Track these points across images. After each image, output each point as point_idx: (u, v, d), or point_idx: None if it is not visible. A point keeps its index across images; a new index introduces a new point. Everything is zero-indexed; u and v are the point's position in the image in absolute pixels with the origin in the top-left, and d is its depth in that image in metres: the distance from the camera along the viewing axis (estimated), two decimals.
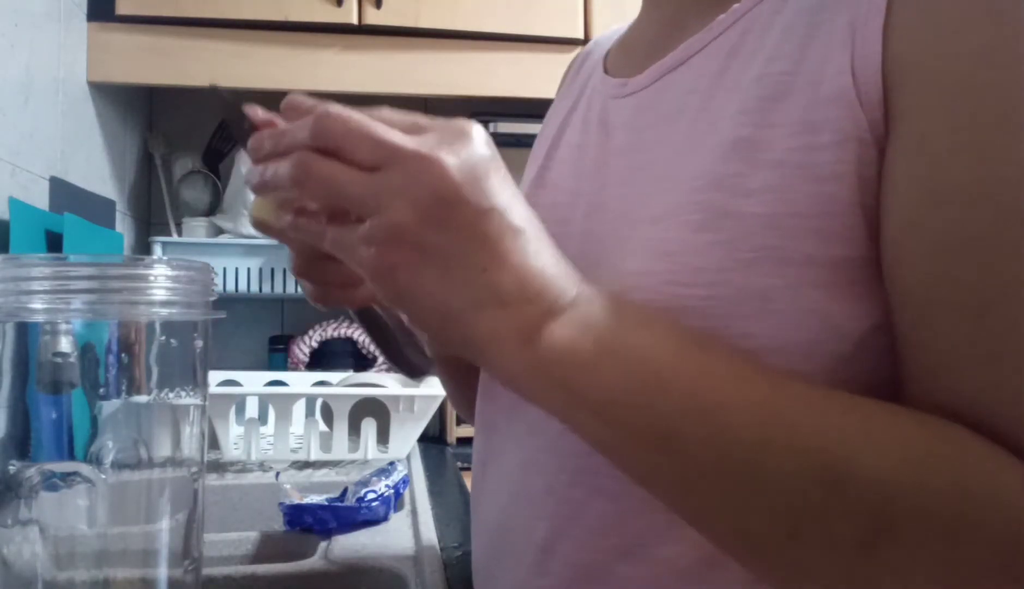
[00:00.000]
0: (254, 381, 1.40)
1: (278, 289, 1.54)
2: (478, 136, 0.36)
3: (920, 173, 0.35)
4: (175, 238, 1.57)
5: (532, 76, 1.50)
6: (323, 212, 0.37)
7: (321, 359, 1.62)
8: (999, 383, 0.33)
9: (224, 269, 1.52)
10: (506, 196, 0.35)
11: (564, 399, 0.36)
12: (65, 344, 0.37)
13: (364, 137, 0.34)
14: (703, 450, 0.34)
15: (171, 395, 0.40)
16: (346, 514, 0.88)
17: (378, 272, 0.35)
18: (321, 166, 0.35)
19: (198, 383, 0.42)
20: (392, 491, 0.94)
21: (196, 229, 1.59)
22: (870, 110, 0.37)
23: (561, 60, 1.54)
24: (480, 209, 0.34)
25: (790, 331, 0.38)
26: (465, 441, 1.51)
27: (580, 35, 1.51)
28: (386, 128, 0.35)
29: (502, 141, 1.61)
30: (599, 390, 0.35)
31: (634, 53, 0.55)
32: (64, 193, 1.26)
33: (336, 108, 0.35)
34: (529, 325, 0.35)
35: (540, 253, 0.36)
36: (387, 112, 0.37)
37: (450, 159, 0.34)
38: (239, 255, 1.53)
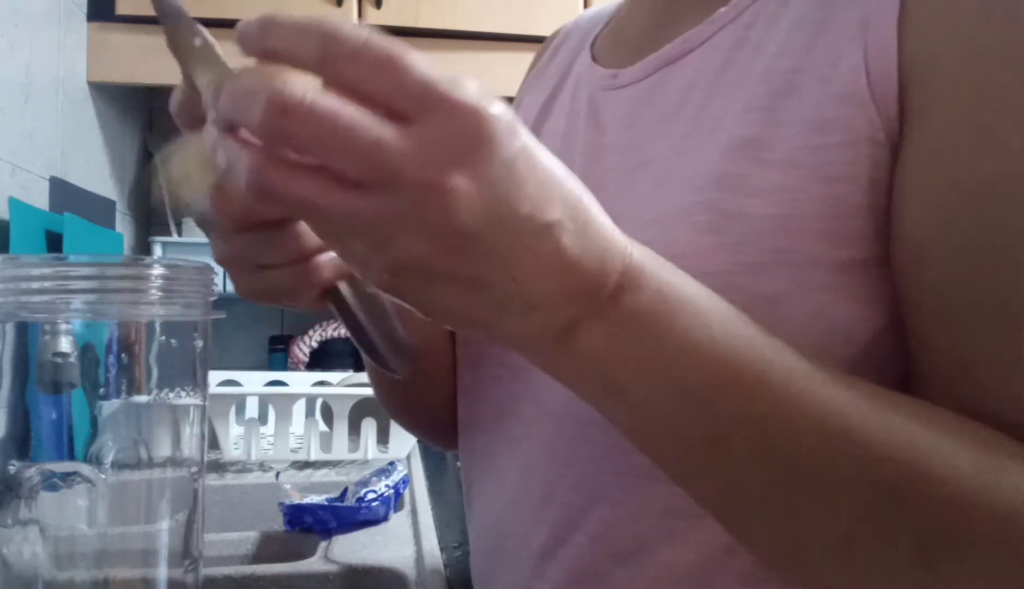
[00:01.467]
0: (254, 381, 1.40)
1: None
2: (499, 135, 0.27)
3: (944, 173, 0.34)
4: (175, 238, 1.57)
5: None
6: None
7: (321, 359, 1.62)
8: None
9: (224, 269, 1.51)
10: (538, 196, 0.28)
11: (602, 394, 0.33)
12: (65, 344, 0.37)
13: (343, 148, 0.25)
14: (760, 457, 0.32)
15: (171, 395, 0.40)
16: (346, 514, 0.88)
17: (379, 286, 0.30)
18: (289, 184, 0.26)
19: (198, 383, 0.42)
20: (392, 491, 0.94)
21: (196, 229, 1.59)
22: (885, 109, 0.36)
23: None
24: (508, 227, 0.27)
25: (798, 336, 0.35)
26: None
27: None
28: (370, 130, 0.25)
29: None
30: (640, 389, 0.32)
31: (625, 43, 0.52)
32: (64, 193, 1.26)
33: (294, 96, 0.25)
34: (563, 324, 0.30)
35: (577, 242, 0.29)
36: (364, 49, 0.25)
37: (465, 185, 0.26)
38: None
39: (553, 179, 0.28)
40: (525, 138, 0.28)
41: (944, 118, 0.34)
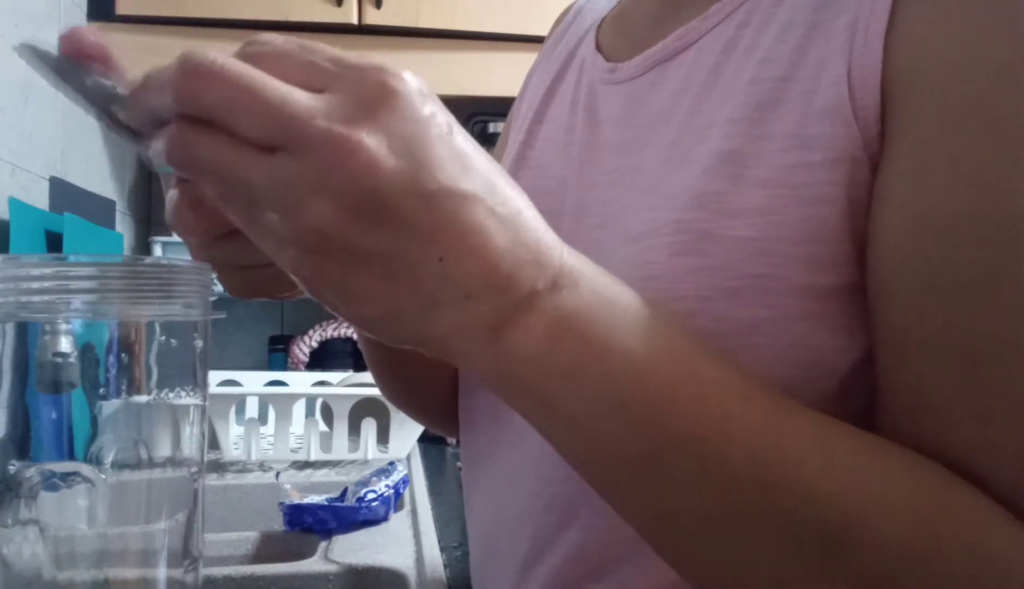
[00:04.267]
0: (254, 381, 1.40)
1: None
2: (407, 91, 0.26)
3: (914, 199, 0.32)
4: (175, 238, 1.57)
5: None
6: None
7: (321, 359, 1.62)
8: (994, 441, 0.31)
9: None
10: (454, 165, 0.27)
11: (536, 406, 0.31)
12: (65, 344, 0.37)
13: (249, 108, 0.25)
14: (694, 482, 0.30)
15: (171, 395, 0.40)
16: (346, 514, 0.88)
17: (295, 273, 0.28)
18: (203, 148, 0.26)
19: (198, 383, 0.42)
20: (392, 491, 0.94)
21: None
22: (866, 126, 0.34)
23: None
24: (424, 195, 0.26)
25: (773, 367, 0.34)
26: None
27: None
28: (277, 89, 0.25)
29: None
30: (576, 401, 0.30)
31: (627, 32, 0.50)
32: (64, 193, 1.26)
33: (205, 59, 0.25)
34: (497, 319, 0.28)
35: (507, 225, 0.28)
36: (278, 41, 0.27)
37: (373, 142, 0.25)
38: None
39: (473, 157, 0.28)
40: (439, 110, 0.27)
41: (920, 141, 0.32)
